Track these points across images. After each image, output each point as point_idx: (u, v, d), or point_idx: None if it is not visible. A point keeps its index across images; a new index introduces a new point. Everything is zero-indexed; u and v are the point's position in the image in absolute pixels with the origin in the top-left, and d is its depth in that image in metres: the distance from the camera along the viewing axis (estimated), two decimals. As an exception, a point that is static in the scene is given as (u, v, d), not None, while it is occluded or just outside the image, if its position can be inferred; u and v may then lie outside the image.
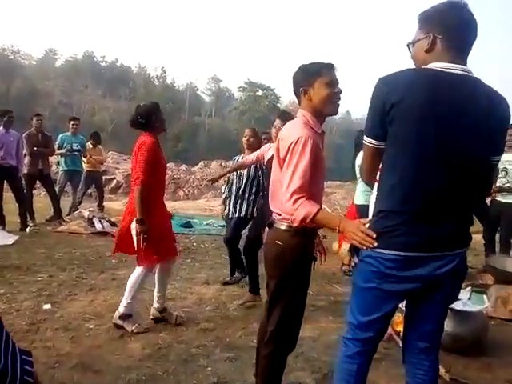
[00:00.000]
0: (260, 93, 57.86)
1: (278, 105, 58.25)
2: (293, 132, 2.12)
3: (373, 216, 1.86)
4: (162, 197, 3.71)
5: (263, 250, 2.38)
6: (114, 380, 2.68)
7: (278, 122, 3.92)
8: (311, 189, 2.05)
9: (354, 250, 1.89)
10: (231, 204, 4.74)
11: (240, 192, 4.66)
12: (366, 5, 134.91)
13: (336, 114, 2.29)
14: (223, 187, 5.74)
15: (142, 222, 3.32)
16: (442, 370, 2.69)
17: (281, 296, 2.23)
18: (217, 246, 6.86)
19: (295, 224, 2.06)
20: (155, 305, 3.65)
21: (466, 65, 1.73)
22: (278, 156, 2.19)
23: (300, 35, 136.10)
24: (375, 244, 1.74)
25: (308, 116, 2.19)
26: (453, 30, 1.72)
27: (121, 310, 3.46)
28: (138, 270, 3.49)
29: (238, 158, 4.99)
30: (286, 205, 2.05)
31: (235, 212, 4.64)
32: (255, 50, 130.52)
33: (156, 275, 3.65)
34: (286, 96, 66.91)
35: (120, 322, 3.44)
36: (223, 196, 5.38)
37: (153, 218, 3.40)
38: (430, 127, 1.65)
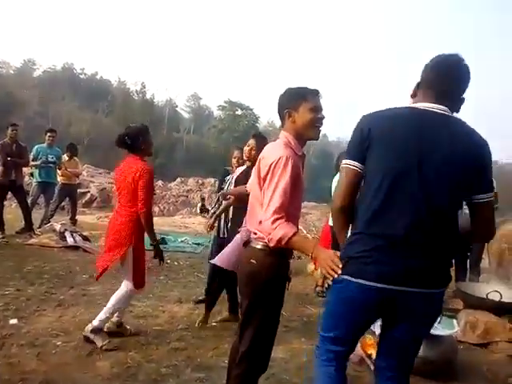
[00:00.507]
0: (239, 112, 58.09)
1: (257, 125, 58.65)
2: (274, 152, 2.14)
3: (347, 239, 1.90)
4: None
5: (238, 269, 2.38)
6: (81, 399, 2.61)
7: (251, 141, 4.01)
8: (289, 209, 2.07)
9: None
10: (222, 223, 4.70)
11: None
12: (345, 29, 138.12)
13: (317, 138, 2.32)
14: (198, 205, 5.66)
15: (157, 244, 3.58)
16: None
17: (253, 316, 2.21)
18: (191, 264, 6.80)
19: (271, 244, 2.07)
20: (114, 319, 3.63)
21: (447, 106, 1.83)
22: (259, 175, 2.20)
23: (280, 58, 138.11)
24: (339, 274, 1.83)
25: (290, 138, 2.22)
26: (429, 80, 1.89)
27: (95, 323, 3.41)
28: (127, 290, 3.52)
29: (229, 178, 4.90)
30: (265, 223, 2.06)
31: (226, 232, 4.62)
32: (236, 70, 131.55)
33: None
34: (265, 116, 67.74)
35: (91, 336, 3.38)
36: (211, 211, 5.26)
37: (142, 241, 3.58)
38: (409, 158, 1.76)
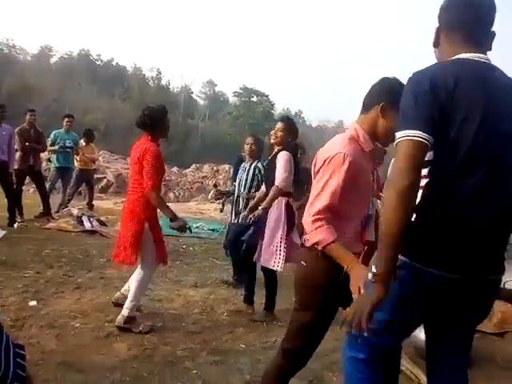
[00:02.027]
0: (255, 99, 57.99)
1: (272, 111, 58.44)
2: (334, 147, 1.96)
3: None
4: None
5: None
6: (98, 379, 2.66)
7: (279, 124, 4.01)
8: (341, 212, 1.93)
9: None
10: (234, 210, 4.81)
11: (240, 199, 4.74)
12: (362, 12, 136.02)
13: (386, 146, 2.16)
14: (211, 192, 5.71)
15: (174, 219, 3.49)
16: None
17: (300, 317, 2.05)
18: (206, 250, 6.84)
19: (307, 244, 1.95)
20: (126, 290, 3.75)
21: (485, 49, 1.62)
22: (315, 167, 2.03)
23: (296, 45, 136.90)
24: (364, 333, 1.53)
25: (360, 132, 1.99)
26: (457, 20, 1.63)
27: (125, 313, 3.42)
28: (143, 272, 3.52)
29: (244, 165, 4.92)
30: (306, 220, 1.92)
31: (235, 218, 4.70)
32: (251, 56, 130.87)
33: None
34: (280, 103, 67.32)
35: (126, 326, 3.40)
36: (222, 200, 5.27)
37: (156, 220, 3.60)
38: (477, 123, 1.50)
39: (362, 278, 1.68)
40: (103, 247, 6.25)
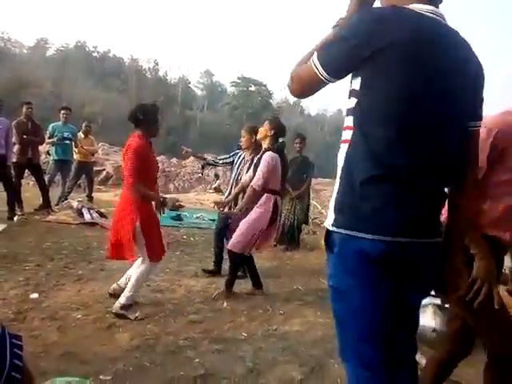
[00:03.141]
0: (253, 88, 57.75)
1: (271, 101, 58.26)
2: None
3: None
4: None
5: None
6: (101, 370, 2.66)
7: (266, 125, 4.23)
8: None
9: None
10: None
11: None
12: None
13: None
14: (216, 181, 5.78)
15: (164, 200, 3.74)
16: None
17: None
18: (206, 240, 6.85)
19: None
20: (122, 282, 3.84)
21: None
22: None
23: (293, 32, 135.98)
24: None
25: None
26: None
27: (122, 301, 3.52)
28: (145, 265, 3.61)
29: (241, 154, 5.07)
30: None
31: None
32: (248, 46, 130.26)
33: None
34: (278, 93, 67.06)
35: (121, 312, 3.48)
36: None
37: (152, 214, 3.68)
38: (419, 79, 1.34)
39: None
40: (103, 239, 6.22)
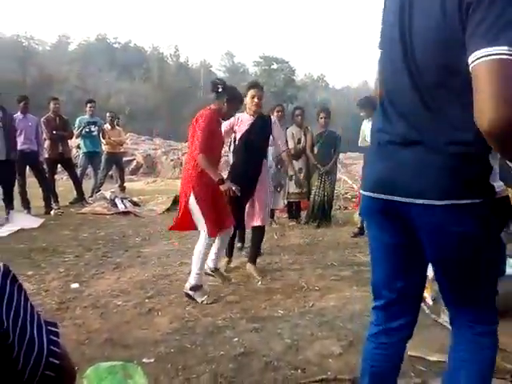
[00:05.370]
0: (275, 66, 57.01)
1: (294, 77, 57.47)
2: None
3: None
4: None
5: None
6: (143, 353, 2.72)
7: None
8: None
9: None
10: None
11: None
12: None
13: None
14: None
15: (222, 181, 3.53)
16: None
17: None
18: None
19: None
20: (209, 264, 3.85)
21: None
22: None
23: (312, 7, 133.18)
24: None
25: None
26: None
27: (192, 281, 3.58)
28: (202, 240, 3.62)
29: None
30: None
31: None
32: (268, 24, 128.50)
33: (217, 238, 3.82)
34: (301, 69, 66.09)
35: (191, 293, 3.56)
36: None
37: (211, 188, 3.57)
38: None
39: None
40: (138, 227, 6.38)
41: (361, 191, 1.59)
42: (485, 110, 1.09)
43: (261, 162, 4.20)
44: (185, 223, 3.69)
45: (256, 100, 4.10)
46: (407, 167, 1.35)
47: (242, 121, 4.17)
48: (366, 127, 5.93)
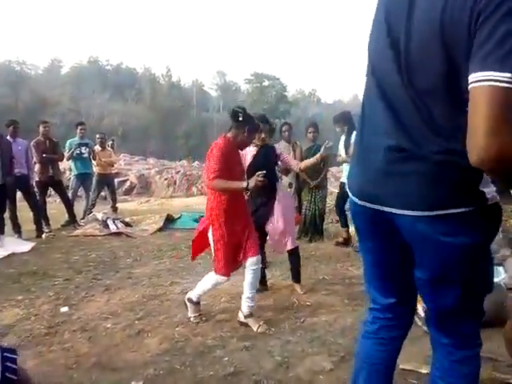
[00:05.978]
0: (266, 83, 57.55)
1: (286, 94, 57.95)
2: None
3: None
4: (239, 203, 3.51)
5: None
6: (132, 376, 2.69)
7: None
8: None
9: None
10: None
11: None
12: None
13: None
14: None
15: (246, 186, 3.25)
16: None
17: None
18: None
19: None
20: (243, 309, 3.49)
21: None
22: None
23: (301, 23, 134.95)
24: None
25: None
26: None
27: (192, 294, 3.57)
28: (213, 276, 3.47)
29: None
30: None
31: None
32: (258, 42, 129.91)
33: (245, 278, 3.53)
34: (292, 85, 66.66)
35: (187, 302, 3.59)
36: None
37: (230, 224, 3.36)
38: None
39: None
40: (129, 247, 6.35)
41: (347, 190, 1.57)
42: (478, 132, 1.09)
43: (273, 184, 4.06)
44: (203, 245, 3.65)
45: (263, 135, 4.14)
46: (394, 177, 1.33)
47: (246, 153, 4.19)
48: (341, 143, 6.09)
